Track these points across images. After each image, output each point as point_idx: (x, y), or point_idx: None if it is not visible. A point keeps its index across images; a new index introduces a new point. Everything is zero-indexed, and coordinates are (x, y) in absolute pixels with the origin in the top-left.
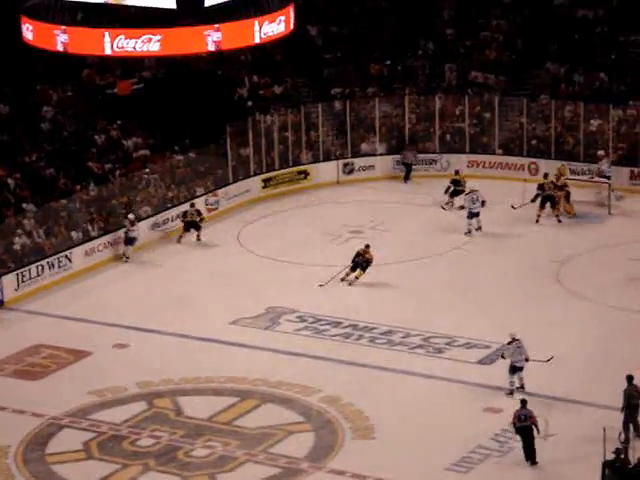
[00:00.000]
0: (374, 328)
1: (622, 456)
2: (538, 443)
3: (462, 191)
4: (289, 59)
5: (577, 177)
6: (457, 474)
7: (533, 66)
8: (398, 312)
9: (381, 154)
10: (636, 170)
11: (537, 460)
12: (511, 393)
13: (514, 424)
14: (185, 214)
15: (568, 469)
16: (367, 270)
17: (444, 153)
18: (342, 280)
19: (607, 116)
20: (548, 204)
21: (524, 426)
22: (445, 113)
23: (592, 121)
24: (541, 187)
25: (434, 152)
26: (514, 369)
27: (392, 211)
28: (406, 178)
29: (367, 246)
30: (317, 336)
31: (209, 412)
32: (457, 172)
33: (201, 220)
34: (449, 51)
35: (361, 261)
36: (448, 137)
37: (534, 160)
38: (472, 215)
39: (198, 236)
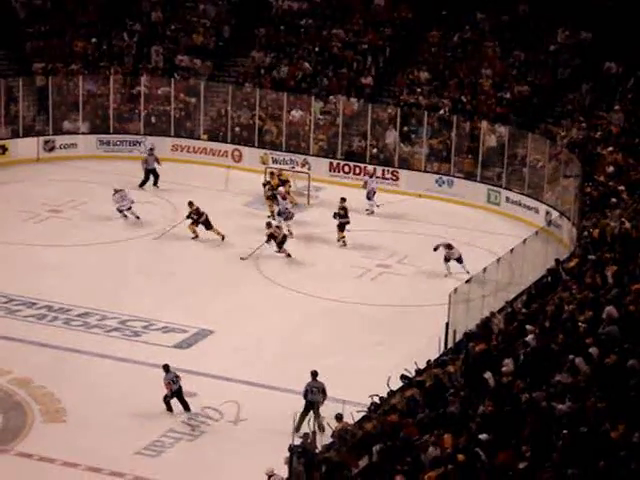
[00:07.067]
0: (70, 310)
1: (309, 441)
2: (228, 427)
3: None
4: None
5: (279, 166)
6: (147, 458)
7: (239, 54)
8: (95, 294)
9: (84, 133)
10: (335, 162)
11: None
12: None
13: None
14: None
15: (257, 453)
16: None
17: (148, 135)
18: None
19: (309, 107)
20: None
21: None
22: (150, 95)
23: (293, 112)
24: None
25: (138, 134)
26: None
27: (93, 191)
28: (144, 183)
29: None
30: (9, 316)
31: None
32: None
33: None
34: (156, 33)
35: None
36: (153, 119)
37: (238, 147)
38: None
39: None
